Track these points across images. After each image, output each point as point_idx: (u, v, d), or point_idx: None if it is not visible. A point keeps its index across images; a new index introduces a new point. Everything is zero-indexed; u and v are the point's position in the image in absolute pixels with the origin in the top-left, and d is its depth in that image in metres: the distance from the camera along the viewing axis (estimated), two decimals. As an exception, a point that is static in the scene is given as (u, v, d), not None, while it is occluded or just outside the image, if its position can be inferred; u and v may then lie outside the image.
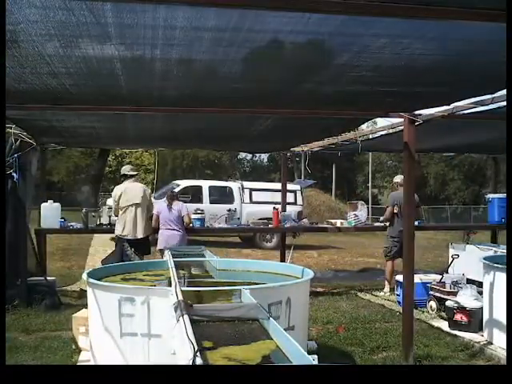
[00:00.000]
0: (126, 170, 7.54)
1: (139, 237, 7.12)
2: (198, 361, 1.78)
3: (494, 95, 4.65)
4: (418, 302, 6.80)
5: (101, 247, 11.77)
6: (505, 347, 5.14)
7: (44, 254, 7.74)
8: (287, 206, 10.16)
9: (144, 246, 7.22)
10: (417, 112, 5.18)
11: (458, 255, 7.33)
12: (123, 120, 6.03)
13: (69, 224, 8.04)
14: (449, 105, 5.05)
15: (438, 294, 6.84)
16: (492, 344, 5.48)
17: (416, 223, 6.62)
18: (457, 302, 6.03)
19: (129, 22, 2.70)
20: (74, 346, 5.11)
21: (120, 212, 7.18)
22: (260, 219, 10.67)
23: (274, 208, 8.82)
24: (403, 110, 5.12)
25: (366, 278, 9.91)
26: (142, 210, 7.19)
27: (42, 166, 8.76)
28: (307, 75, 3.83)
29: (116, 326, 3.48)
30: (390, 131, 7.55)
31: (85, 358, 4.75)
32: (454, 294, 6.41)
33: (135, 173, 7.63)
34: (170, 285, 3.39)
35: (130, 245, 7.01)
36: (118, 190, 7.29)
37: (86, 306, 4.45)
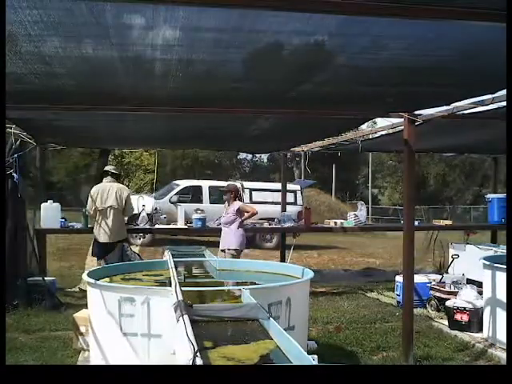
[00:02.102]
0: (109, 168, 7.39)
1: (109, 241, 6.92)
2: (198, 361, 1.78)
3: (494, 95, 4.65)
4: (417, 302, 6.80)
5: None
6: (505, 347, 5.14)
7: (44, 254, 7.74)
8: (287, 205, 10.16)
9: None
10: (417, 112, 5.18)
11: (458, 255, 7.33)
12: (123, 120, 6.02)
13: (69, 224, 8.04)
14: (449, 105, 5.05)
15: (438, 294, 6.84)
16: (492, 344, 5.48)
17: (416, 223, 6.62)
18: (457, 302, 6.03)
19: (129, 23, 2.71)
20: (73, 346, 5.11)
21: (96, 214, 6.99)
22: (260, 219, 10.66)
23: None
24: (403, 110, 5.12)
25: (366, 278, 9.92)
26: (116, 213, 6.99)
27: (42, 166, 8.75)
28: (307, 75, 3.83)
29: (116, 326, 3.48)
30: (390, 131, 7.55)
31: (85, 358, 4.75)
32: (454, 294, 6.41)
33: (117, 172, 7.40)
34: (170, 285, 3.39)
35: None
36: (95, 189, 7.04)
37: (86, 305, 4.44)
